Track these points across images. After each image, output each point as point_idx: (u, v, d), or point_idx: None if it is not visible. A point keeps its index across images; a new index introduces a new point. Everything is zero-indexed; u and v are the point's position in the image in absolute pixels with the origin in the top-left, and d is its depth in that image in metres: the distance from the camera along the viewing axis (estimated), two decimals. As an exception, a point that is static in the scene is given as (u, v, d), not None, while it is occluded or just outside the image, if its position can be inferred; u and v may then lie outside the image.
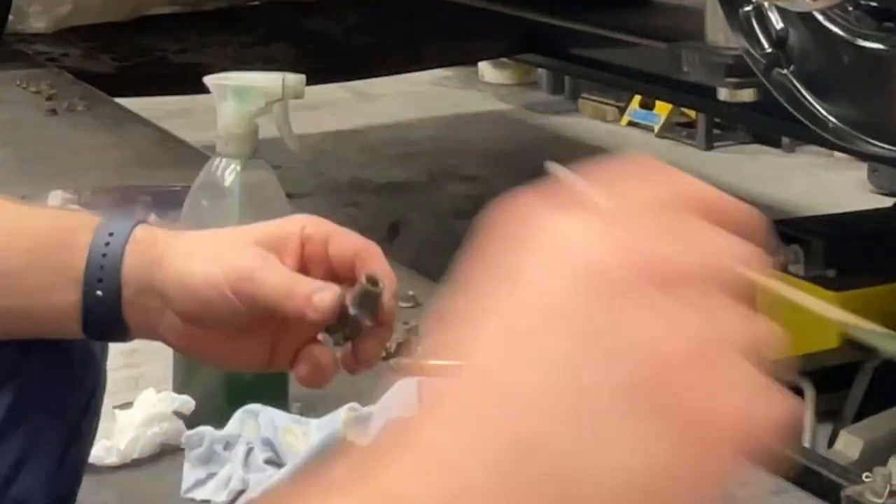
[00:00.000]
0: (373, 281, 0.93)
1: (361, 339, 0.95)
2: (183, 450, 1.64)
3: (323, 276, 0.93)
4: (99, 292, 0.93)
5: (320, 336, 0.96)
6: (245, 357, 0.96)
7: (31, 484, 0.99)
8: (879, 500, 1.63)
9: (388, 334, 0.96)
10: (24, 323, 0.95)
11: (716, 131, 4.84)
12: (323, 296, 0.91)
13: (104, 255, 0.93)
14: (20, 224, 0.97)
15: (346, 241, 0.94)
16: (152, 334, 0.95)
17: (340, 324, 0.94)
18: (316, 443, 1.59)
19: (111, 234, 0.94)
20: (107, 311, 0.93)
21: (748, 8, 1.58)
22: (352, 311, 0.93)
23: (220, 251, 0.93)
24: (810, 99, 1.53)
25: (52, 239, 0.96)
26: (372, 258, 0.94)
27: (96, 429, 1.11)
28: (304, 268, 0.94)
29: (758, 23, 1.57)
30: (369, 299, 0.94)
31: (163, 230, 0.96)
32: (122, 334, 0.95)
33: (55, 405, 1.02)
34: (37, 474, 1.00)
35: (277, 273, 0.91)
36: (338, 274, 0.94)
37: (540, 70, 5.48)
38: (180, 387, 1.74)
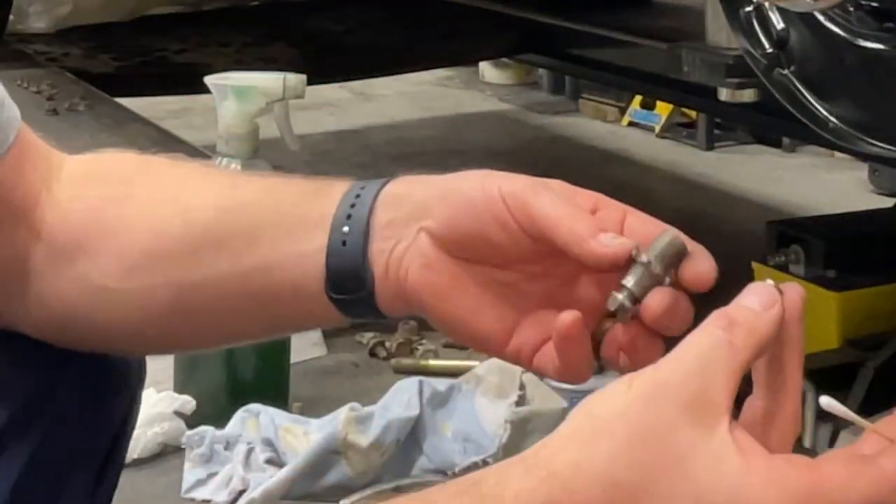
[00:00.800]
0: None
1: (657, 311, 0.76)
2: (183, 449, 1.65)
3: None
4: (346, 228, 0.84)
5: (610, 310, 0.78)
6: (486, 321, 0.81)
7: None
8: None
9: (688, 313, 0.77)
10: (263, 281, 0.86)
11: (716, 131, 4.83)
12: (610, 237, 0.77)
13: (357, 196, 0.85)
14: (275, 182, 0.91)
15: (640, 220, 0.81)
16: (394, 275, 0.83)
17: (630, 277, 0.77)
18: (316, 443, 1.59)
19: (365, 185, 0.86)
20: (351, 252, 0.84)
21: (749, 8, 1.58)
22: (645, 259, 0.77)
23: (492, 176, 0.82)
24: (811, 99, 1.53)
25: (305, 190, 0.89)
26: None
27: (125, 455, 1.05)
28: None
29: (758, 23, 1.57)
30: (674, 252, 0.78)
31: None
32: (362, 283, 0.84)
33: (87, 433, 0.96)
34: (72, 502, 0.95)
35: (558, 200, 0.79)
36: None
37: (540, 70, 5.47)
38: (181, 387, 1.74)
